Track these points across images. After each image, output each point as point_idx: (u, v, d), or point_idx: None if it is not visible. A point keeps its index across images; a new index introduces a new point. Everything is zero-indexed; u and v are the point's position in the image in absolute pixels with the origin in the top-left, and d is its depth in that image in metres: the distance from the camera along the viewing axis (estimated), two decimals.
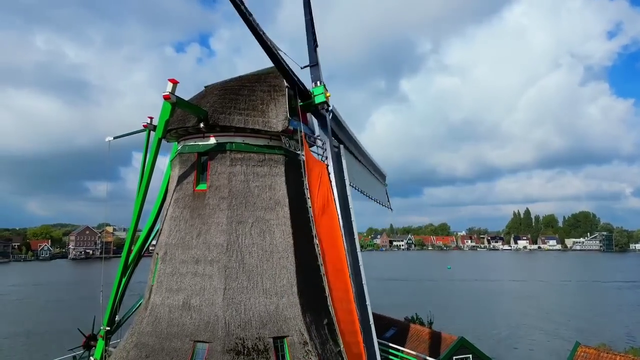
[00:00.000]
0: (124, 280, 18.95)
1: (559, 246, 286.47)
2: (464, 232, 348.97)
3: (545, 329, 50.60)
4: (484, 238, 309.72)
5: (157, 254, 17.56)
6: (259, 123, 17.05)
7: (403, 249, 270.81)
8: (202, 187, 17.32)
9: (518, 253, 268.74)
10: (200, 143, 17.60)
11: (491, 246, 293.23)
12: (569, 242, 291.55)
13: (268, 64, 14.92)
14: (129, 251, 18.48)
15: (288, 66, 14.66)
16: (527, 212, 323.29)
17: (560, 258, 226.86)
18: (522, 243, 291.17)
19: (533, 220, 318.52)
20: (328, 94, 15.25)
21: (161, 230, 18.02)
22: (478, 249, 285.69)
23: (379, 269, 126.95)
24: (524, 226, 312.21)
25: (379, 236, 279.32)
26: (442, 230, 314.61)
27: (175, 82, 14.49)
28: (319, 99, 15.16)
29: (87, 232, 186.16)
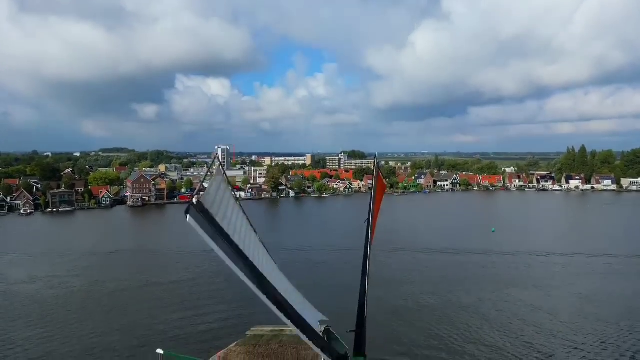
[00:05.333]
0: None
1: (614, 186, 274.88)
2: (512, 169, 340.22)
3: None
4: (533, 176, 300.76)
5: None
6: None
7: (448, 189, 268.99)
8: None
9: (569, 195, 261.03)
10: None
11: (540, 186, 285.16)
12: (625, 182, 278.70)
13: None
14: None
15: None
16: (583, 149, 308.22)
17: (612, 203, 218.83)
18: (574, 183, 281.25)
19: (589, 157, 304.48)
20: None
21: None
22: (526, 190, 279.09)
23: (410, 231, 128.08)
24: (578, 164, 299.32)
25: (422, 176, 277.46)
26: (490, 169, 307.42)
27: None
28: None
29: (142, 180, 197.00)
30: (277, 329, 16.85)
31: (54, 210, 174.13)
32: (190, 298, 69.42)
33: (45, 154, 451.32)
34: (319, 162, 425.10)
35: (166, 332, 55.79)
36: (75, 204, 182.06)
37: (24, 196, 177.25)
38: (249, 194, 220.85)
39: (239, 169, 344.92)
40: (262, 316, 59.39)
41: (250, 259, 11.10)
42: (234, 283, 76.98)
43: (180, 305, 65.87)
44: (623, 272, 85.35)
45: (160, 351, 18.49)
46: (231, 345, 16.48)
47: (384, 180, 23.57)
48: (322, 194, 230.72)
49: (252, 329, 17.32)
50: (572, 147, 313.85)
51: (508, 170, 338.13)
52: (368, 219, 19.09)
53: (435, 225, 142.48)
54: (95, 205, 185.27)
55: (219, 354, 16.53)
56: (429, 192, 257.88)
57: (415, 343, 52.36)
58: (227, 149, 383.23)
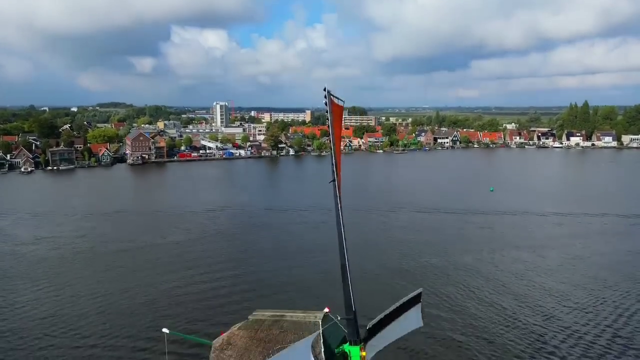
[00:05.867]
0: None
1: (614, 143, 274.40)
2: (513, 126, 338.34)
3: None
4: (534, 133, 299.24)
5: None
6: None
7: (448, 147, 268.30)
8: None
9: (568, 152, 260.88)
10: None
11: (540, 143, 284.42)
12: (625, 138, 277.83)
13: None
14: None
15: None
16: (585, 104, 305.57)
17: (612, 160, 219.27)
18: (574, 140, 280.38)
19: (591, 113, 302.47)
20: (364, 354, 16.17)
21: None
22: (526, 147, 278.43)
23: (409, 191, 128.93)
24: (580, 120, 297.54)
25: (423, 133, 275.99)
26: (491, 125, 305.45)
27: None
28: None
29: (142, 137, 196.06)
30: (277, 314, 17.40)
31: (55, 168, 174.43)
32: (193, 260, 70.79)
33: (42, 109, 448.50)
34: (318, 118, 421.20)
35: (170, 292, 57.41)
36: (76, 162, 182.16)
37: (24, 154, 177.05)
38: (248, 152, 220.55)
39: (238, 126, 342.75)
40: (263, 290, 60.32)
41: None
42: (236, 243, 78.43)
43: (184, 266, 67.33)
44: (618, 232, 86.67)
45: (165, 330, 19.13)
46: (234, 329, 17.10)
47: (338, 101, 21.48)
48: (321, 152, 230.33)
49: (254, 312, 17.84)
50: (575, 103, 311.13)
51: (509, 126, 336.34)
52: (334, 179, 17.82)
53: (434, 185, 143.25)
54: (96, 164, 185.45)
55: (222, 335, 17.16)
56: (429, 150, 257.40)
57: None
58: (225, 105, 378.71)
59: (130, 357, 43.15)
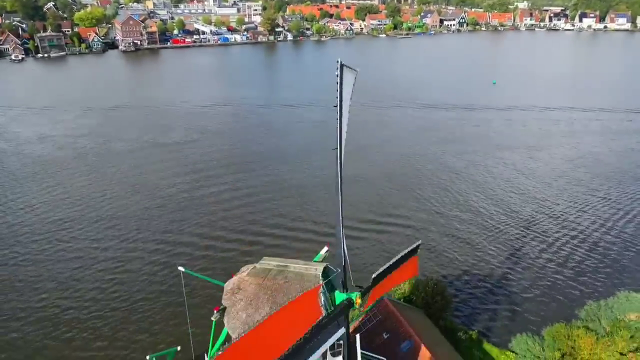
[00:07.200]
0: None
1: (628, 25, 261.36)
2: (525, 4, 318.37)
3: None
4: (546, 13, 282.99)
5: None
6: None
7: (454, 30, 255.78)
8: None
9: (579, 35, 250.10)
10: None
11: (552, 25, 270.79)
12: None
13: None
14: None
15: None
16: None
17: (622, 46, 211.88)
18: (587, 22, 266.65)
19: None
20: (358, 301, 18.24)
21: None
22: (536, 29, 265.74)
23: (409, 83, 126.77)
24: None
25: (429, 15, 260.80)
26: (501, 5, 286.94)
27: None
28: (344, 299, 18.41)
29: (132, 22, 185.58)
30: (282, 264, 19.44)
31: (46, 55, 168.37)
32: (193, 164, 72.71)
33: None
34: None
35: (175, 195, 60.40)
36: (66, 48, 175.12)
37: (12, 40, 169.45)
38: (244, 37, 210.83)
39: (232, 5, 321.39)
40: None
41: None
42: (236, 144, 79.45)
43: (183, 168, 69.61)
44: (614, 130, 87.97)
45: (181, 269, 21.49)
46: (243, 274, 19.26)
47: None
48: (321, 36, 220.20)
49: (261, 261, 19.91)
50: None
51: (520, 5, 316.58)
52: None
53: (435, 76, 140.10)
54: (87, 50, 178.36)
55: (233, 278, 19.44)
56: (434, 33, 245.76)
57: (403, 206, 57.37)
58: None
59: (144, 248, 47.43)
